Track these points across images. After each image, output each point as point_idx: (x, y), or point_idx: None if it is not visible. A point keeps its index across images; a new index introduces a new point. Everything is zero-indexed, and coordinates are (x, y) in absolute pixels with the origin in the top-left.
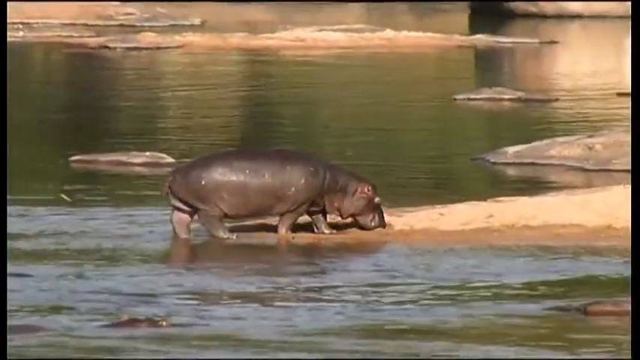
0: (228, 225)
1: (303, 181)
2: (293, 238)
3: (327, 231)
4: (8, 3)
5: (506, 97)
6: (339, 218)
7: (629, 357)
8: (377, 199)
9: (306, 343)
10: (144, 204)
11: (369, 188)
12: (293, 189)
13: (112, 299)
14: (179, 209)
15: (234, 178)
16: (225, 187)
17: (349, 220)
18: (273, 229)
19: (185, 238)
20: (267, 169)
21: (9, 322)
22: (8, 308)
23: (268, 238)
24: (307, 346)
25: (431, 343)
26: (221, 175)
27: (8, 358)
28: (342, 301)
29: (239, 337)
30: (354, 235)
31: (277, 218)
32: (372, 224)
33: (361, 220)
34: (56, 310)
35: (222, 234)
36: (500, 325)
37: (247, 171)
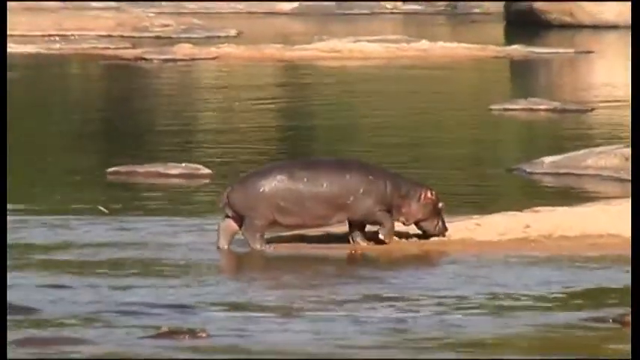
0: (268, 236)
1: (362, 190)
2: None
3: (363, 243)
4: (46, 14)
5: (542, 107)
6: (403, 225)
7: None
8: (440, 204)
9: (358, 355)
10: (181, 215)
11: (433, 193)
12: (352, 198)
13: (150, 311)
14: (232, 217)
15: (291, 186)
16: (283, 195)
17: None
18: (311, 239)
19: (225, 249)
20: (326, 177)
21: (49, 334)
22: (46, 319)
23: (306, 249)
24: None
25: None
26: (279, 182)
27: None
28: (384, 314)
29: (285, 349)
30: (391, 246)
31: (317, 230)
32: (437, 230)
33: (426, 225)
34: (94, 321)
35: (260, 246)
36: (538, 336)
37: (305, 179)
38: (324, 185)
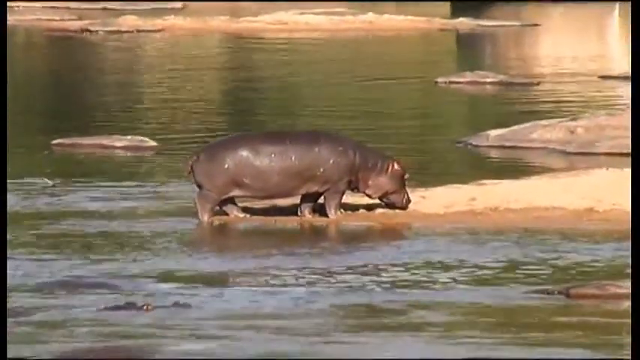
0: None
1: (331, 161)
2: (275, 221)
3: (309, 215)
4: None
5: (488, 80)
6: (369, 198)
7: (611, 339)
8: (406, 176)
9: (299, 326)
10: (125, 186)
11: (400, 164)
12: (322, 169)
13: (93, 282)
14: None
15: (258, 163)
16: (248, 173)
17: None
18: (255, 211)
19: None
20: (295, 151)
21: None
22: None
23: (251, 220)
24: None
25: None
26: (245, 159)
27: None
28: (331, 283)
29: (227, 320)
30: (337, 219)
31: (286, 200)
32: (404, 202)
33: (394, 197)
34: (39, 294)
35: (207, 218)
36: (485, 309)
37: (273, 155)
38: (293, 159)
